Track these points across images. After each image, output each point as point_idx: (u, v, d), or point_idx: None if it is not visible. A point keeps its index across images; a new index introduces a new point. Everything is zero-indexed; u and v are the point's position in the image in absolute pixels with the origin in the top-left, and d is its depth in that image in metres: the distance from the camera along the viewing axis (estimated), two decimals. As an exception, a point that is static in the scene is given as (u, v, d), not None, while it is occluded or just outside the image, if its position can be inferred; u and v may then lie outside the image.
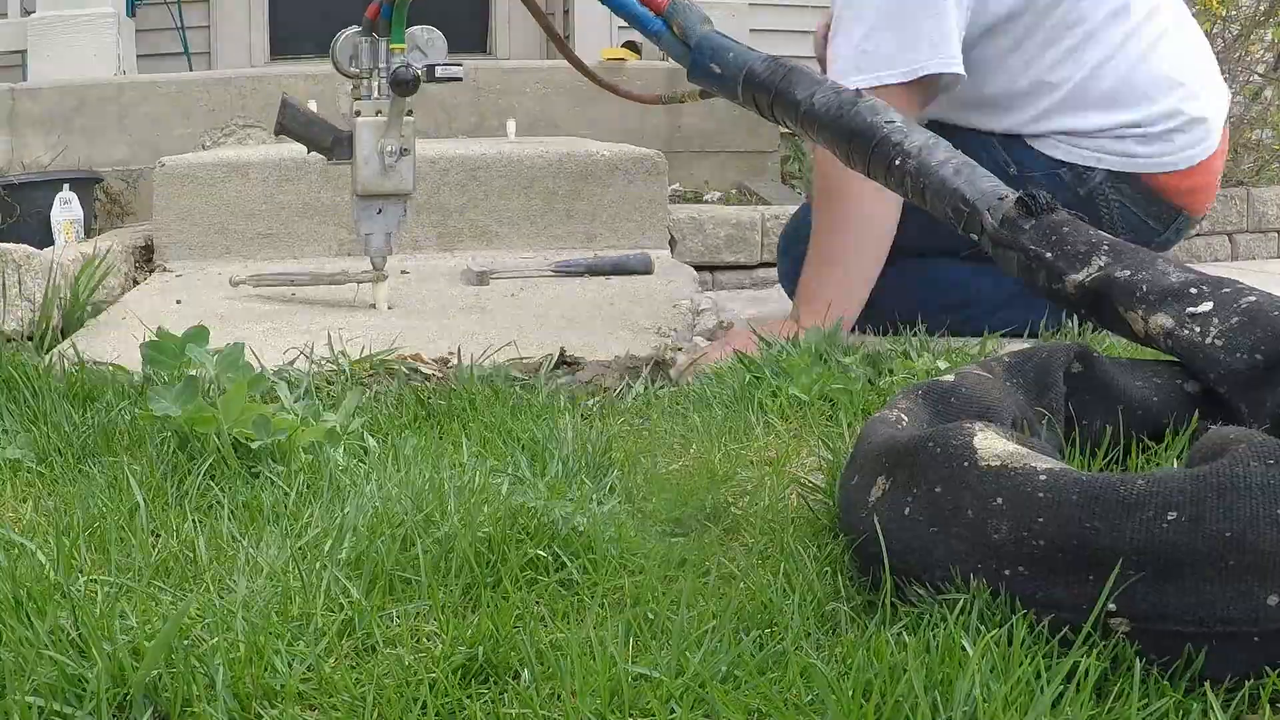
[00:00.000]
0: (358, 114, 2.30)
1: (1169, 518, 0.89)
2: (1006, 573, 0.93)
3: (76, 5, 3.98)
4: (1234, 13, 3.67)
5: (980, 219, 1.53)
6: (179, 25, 4.74)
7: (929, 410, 1.22)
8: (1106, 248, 1.44)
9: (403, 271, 2.77)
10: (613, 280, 2.65)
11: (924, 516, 1.00)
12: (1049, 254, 1.46)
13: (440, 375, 1.84)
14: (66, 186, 3.24)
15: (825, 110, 1.70)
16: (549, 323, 2.20)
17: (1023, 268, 1.51)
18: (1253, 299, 1.33)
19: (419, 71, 2.23)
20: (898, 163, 1.62)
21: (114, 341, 2.04)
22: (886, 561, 1.00)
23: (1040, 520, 0.93)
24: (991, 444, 1.00)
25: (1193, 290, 1.37)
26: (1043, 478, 0.95)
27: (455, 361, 1.90)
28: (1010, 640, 0.88)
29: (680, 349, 2.06)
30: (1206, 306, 1.34)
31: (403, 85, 2.21)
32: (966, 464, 0.99)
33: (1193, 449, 1.03)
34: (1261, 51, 3.88)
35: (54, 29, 3.98)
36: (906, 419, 1.18)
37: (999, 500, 0.95)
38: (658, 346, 2.00)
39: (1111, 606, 0.89)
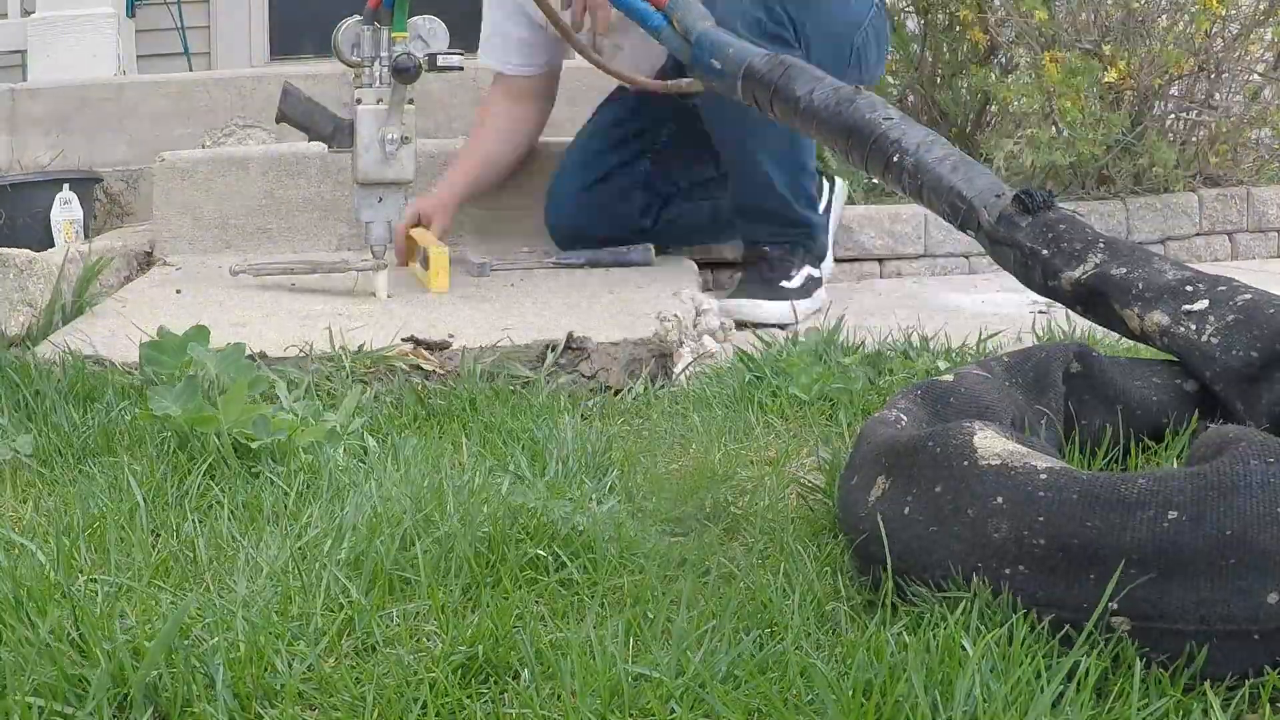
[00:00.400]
0: (359, 102, 2.30)
1: (1170, 516, 0.89)
2: (1007, 572, 0.93)
3: (76, 5, 3.98)
4: (1234, 12, 3.66)
5: (977, 216, 1.53)
6: (179, 25, 4.73)
7: (928, 410, 1.22)
8: (1103, 245, 1.44)
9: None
10: (613, 272, 2.65)
11: (924, 516, 1.00)
12: (1045, 251, 1.46)
13: (441, 371, 1.84)
14: (66, 186, 3.24)
15: (824, 106, 1.70)
16: (549, 311, 2.20)
17: (1019, 264, 1.51)
18: (1248, 296, 1.33)
19: (421, 59, 2.23)
20: (895, 159, 1.62)
21: (112, 328, 2.04)
22: (889, 561, 1.00)
23: (1041, 520, 0.93)
24: (991, 443, 1.00)
25: (1188, 288, 1.37)
26: (1043, 477, 0.95)
27: (454, 344, 1.90)
28: (1010, 640, 0.88)
29: (682, 340, 2.07)
30: (1202, 304, 1.34)
31: (404, 73, 2.21)
32: (966, 463, 0.99)
33: (1193, 448, 1.03)
34: (1261, 51, 3.87)
35: (54, 29, 3.97)
36: (905, 419, 1.18)
37: (999, 500, 0.95)
38: (658, 331, 2.00)
39: (1113, 605, 0.89)
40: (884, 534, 1.02)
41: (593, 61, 2.28)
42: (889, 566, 1.00)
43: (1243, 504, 0.88)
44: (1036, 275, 1.49)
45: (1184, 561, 0.88)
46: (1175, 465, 1.27)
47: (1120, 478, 0.92)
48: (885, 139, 1.63)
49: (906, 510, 1.02)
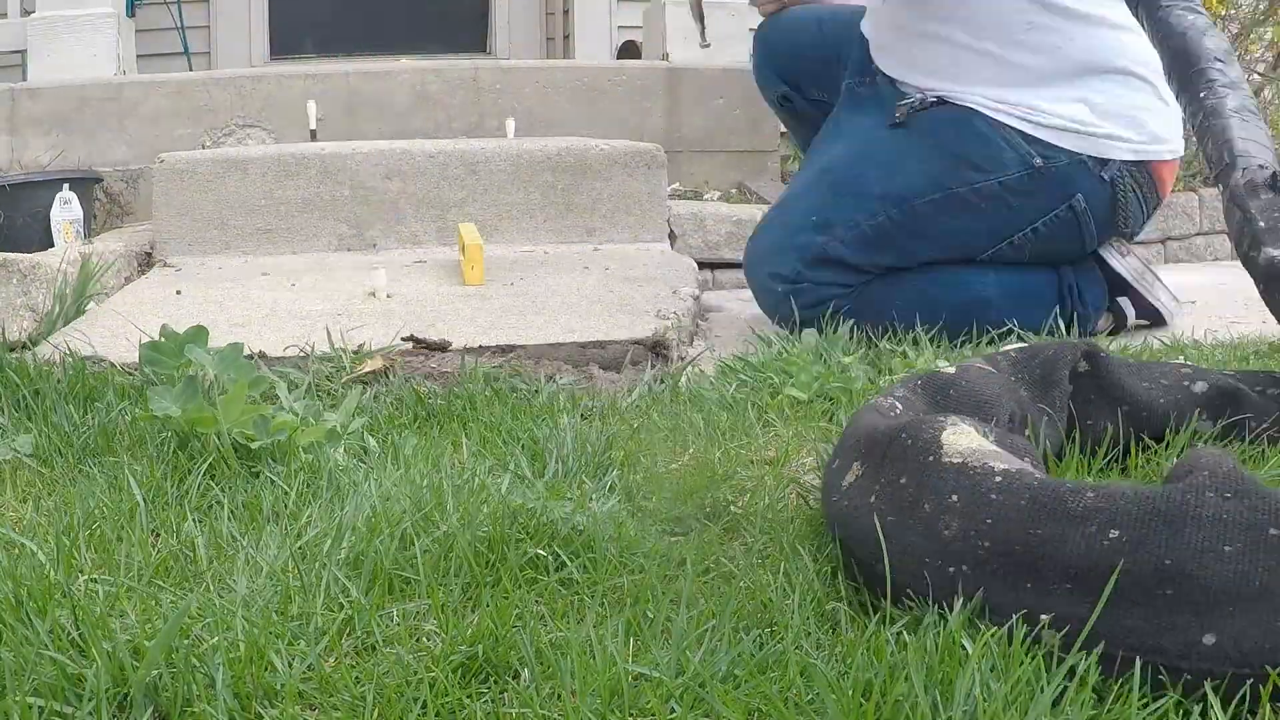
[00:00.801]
0: None
1: (1111, 535, 0.87)
2: (952, 570, 0.93)
3: (76, 5, 3.98)
4: (1234, 12, 3.67)
5: (1231, 174, 1.56)
6: (179, 25, 4.74)
7: (926, 400, 1.22)
8: None
9: (418, 262, 2.80)
10: (612, 269, 2.66)
11: (886, 506, 1.00)
12: (1263, 223, 1.47)
13: (440, 371, 1.84)
14: (66, 186, 3.24)
15: (1177, 23, 1.72)
16: (549, 310, 2.21)
17: (1237, 229, 1.52)
18: None
19: None
20: (1201, 94, 1.64)
21: (112, 329, 2.05)
22: (837, 543, 1.00)
23: (989, 521, 0.92)
24: (957, 440, 1.00)
25: None
26: (998, 479, 0.94)
27: (454, 345, 1.91)
28: (1010, 639, 0.88)
29: (682, 339, 2.07)
30: None
31: None
32: (931, 458, 0.99)
33: (1171, 467, 1.02)
34: (1261, 51, 3.88)
35: (54, 29, 3.97)
36: (901, 407, 1.18)
37: (954, 498, 0.95)
38: (658, 329, 2.00)
39: (1045, 617, 0.88)
40: (850, 519, 1.03)
41: None
42: (850, 551, 1.01)
43: (1189, 536, 0.85)
44: (1244, 244, 1.50)
45: (1118, 584, 0.85)
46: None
47: (1073, 487, 0.91)
48: (1202, 76, 1.65)
49: (872, 499, 1.02)
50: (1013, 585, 0.89)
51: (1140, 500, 0.87)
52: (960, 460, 0.97)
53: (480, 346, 1.91)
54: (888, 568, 0.96)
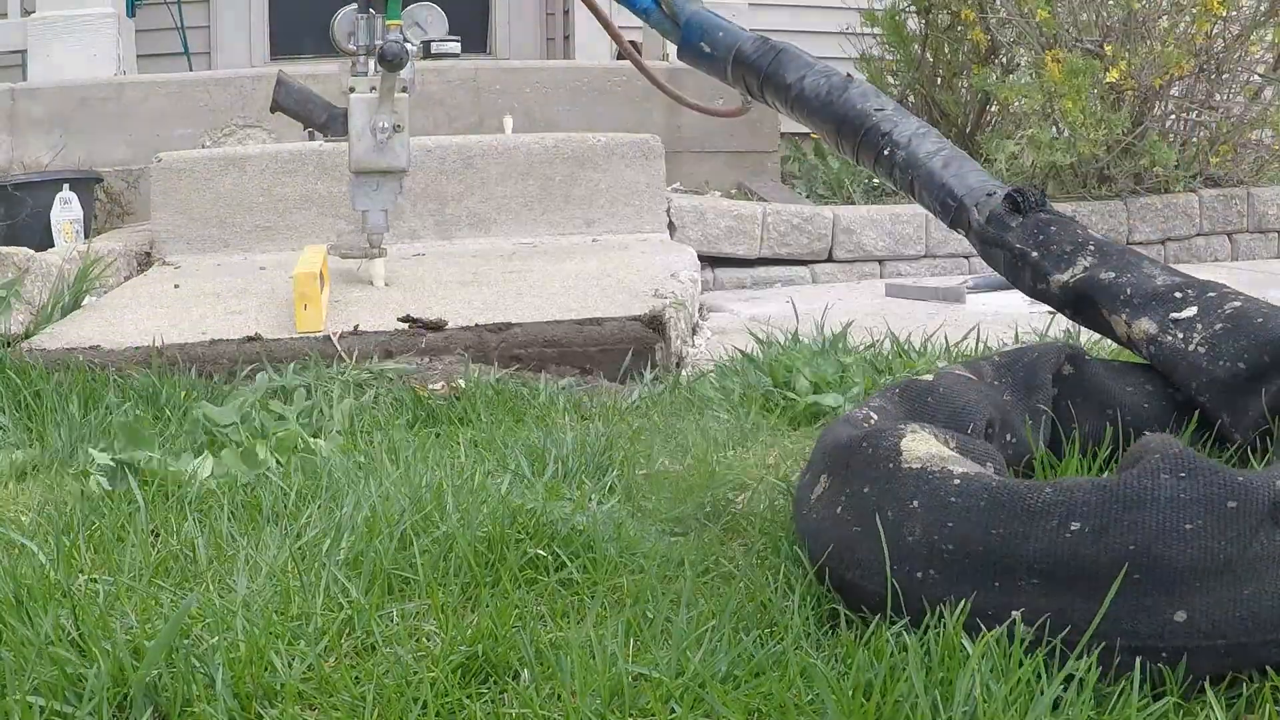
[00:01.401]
0: (351, 90, 2.30)
1: (1072, 528, 0.87)
2: (919, 575, 0.93)
3: (76, 5, 3.97)
4: (1234, 13, 3.66)
5: (968, 215, 1.52)
6: (179, 25, 4.73)
7: (904, 409, 1.21)
8: (1092, 248, 1.43)
9: (417, 255, 2.80)
10: (611, 257, 2.67)
11: (851, 516, 1.00)
12: (1035, 253, 1.45)
13: (445, 390, 1.83)
14: (66, 186, 3.24)
15: (814, 95, 1.68)
16: (547, 292, 2.21)
17: (1009, 266, 1.49)
18: (1237, 304, 1.31)
19: (408, 46, 2.23)
20: (886, 152, 1.60)
21: (106, 320, 2.05)
22: (804, 557, 1.00)
23: (950, 525, 0.92)
24: (916, 446, 1.00)
25: (1177, 294, 1.35)
26: (956, 482, 0.94)
27: (448, 324, 1.91)
28: (1010, 640, 0.88)
29: (681, 335, 2.07)
30: (1190, 311, 1.32)
31: (389, 60, 2.21)
32: (891, 465, 0.99)
33: (1123, 457, 1.02)
34: (1261, 52, 3.87)
35: (54, 29, 3.97)
36: (876, 417, 1.18)
37: (915, 503, 0.95)
38: (654, 307, 2.01)
39: (1015, 613, 0.88)
40: (818, 531, 1.03)
41: (658, 85, 2.23)
42: (820, 564, 1.01)
43: (1149, 518, 0.85)
44: (1026, 277, 1.47)
45: (1085, 574, 0.86)
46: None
47: (1030, 486, 0.91)
48: (876, 131, 1.61)
49: (839, 509, 1.02)
50: (979, 585, 0.90)
51: (1098, 490, 0.88)
52: (919, 466, 0.97)
53: (476, 325, 1.92)
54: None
